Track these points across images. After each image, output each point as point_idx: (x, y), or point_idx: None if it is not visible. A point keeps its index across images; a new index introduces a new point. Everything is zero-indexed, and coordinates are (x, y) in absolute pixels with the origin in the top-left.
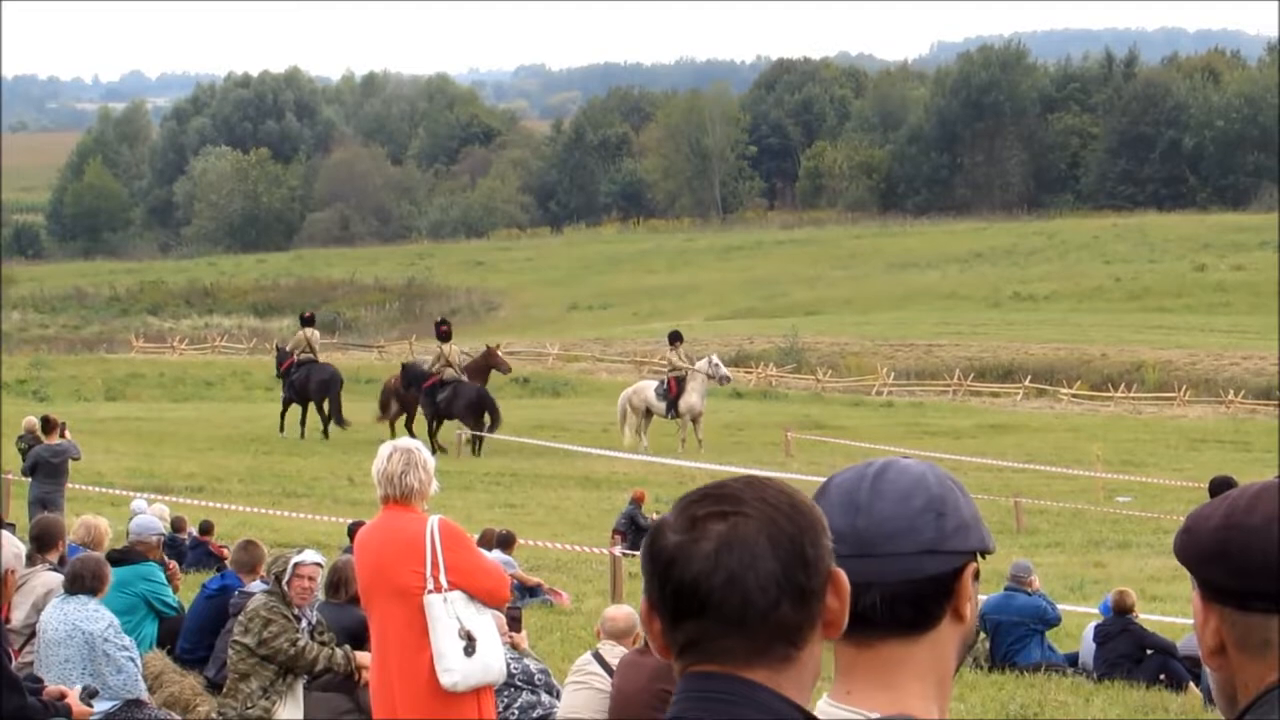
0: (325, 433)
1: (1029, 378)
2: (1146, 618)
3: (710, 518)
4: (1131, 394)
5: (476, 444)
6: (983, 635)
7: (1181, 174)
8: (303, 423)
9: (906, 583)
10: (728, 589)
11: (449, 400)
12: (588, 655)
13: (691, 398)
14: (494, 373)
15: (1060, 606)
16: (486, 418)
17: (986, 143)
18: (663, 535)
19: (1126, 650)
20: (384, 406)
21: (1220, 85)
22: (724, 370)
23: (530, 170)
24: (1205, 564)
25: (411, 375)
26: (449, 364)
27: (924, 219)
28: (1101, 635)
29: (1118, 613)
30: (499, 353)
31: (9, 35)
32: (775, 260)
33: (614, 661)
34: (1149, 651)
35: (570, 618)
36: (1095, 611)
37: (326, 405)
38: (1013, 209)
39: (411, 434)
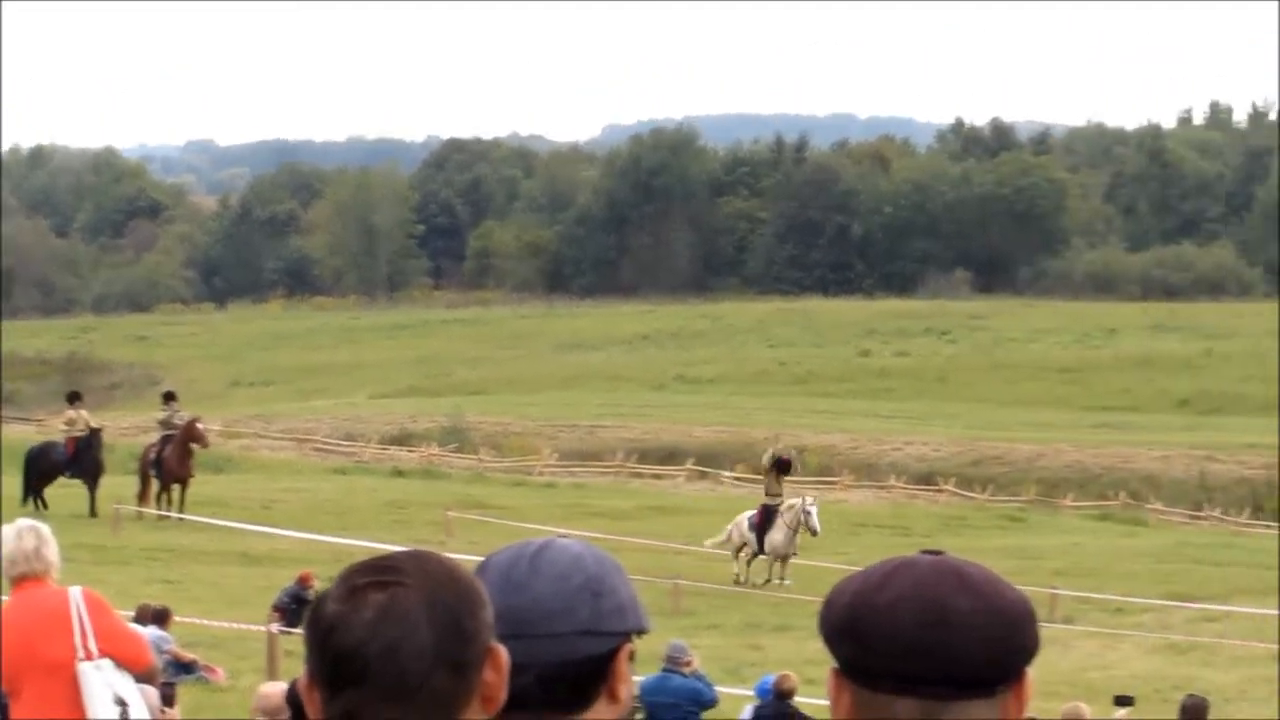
0: None
1: (692, 460)
2: (806, 701)
3: (371, 587)
4: (795, 478)
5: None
6: (639, 717)
7: (849, 260)
8: None
9: (563, 664)
10: (385, 658)
11: None
12: None
13: (776, 536)
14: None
15: (718, 689)
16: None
17: (655, 225)
18: (324, 605)
19: None
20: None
21: (889, 172)
22: (815, 522)
23: (196, 245)
24: (836, 639)
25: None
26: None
27: (590, 300)
28: (760, 718)
29: (778, 698)
30: (199, 426)
31: None
32: (441, 339)
33: None
34: None
35: (225, 695)
36: (752, 694)
37: None
38: (679, 292)
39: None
